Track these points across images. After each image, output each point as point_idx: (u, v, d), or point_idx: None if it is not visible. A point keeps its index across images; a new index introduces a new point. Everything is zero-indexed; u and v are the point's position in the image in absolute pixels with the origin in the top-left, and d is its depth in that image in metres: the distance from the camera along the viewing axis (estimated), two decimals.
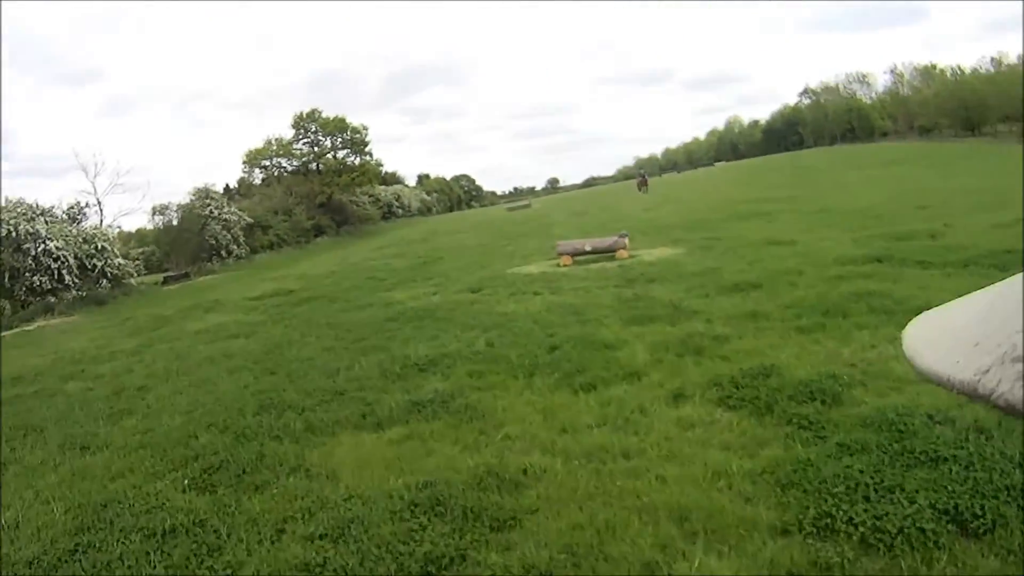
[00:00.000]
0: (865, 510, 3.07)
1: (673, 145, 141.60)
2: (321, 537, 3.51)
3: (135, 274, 24.79)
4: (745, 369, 5.29)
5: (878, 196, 19.92)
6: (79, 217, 25.29)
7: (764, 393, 4.72)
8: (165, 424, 6.00)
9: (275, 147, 44.74)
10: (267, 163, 45.40)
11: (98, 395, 7.67)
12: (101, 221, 26.52)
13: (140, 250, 28.38)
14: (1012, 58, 61.27)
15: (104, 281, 22.65)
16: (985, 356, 0.54)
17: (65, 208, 24.89)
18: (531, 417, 4.96)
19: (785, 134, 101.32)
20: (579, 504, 3.49)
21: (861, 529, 2.95)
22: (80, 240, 22.49)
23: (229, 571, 3.35)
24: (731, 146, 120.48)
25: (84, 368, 9.70)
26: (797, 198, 22.88)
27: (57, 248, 20.99)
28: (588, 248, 13.65)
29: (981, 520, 2.93)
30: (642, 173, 55.99)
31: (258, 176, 46.12)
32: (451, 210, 75.57)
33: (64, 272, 21.00)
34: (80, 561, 3.65)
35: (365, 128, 45.48)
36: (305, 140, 44.92)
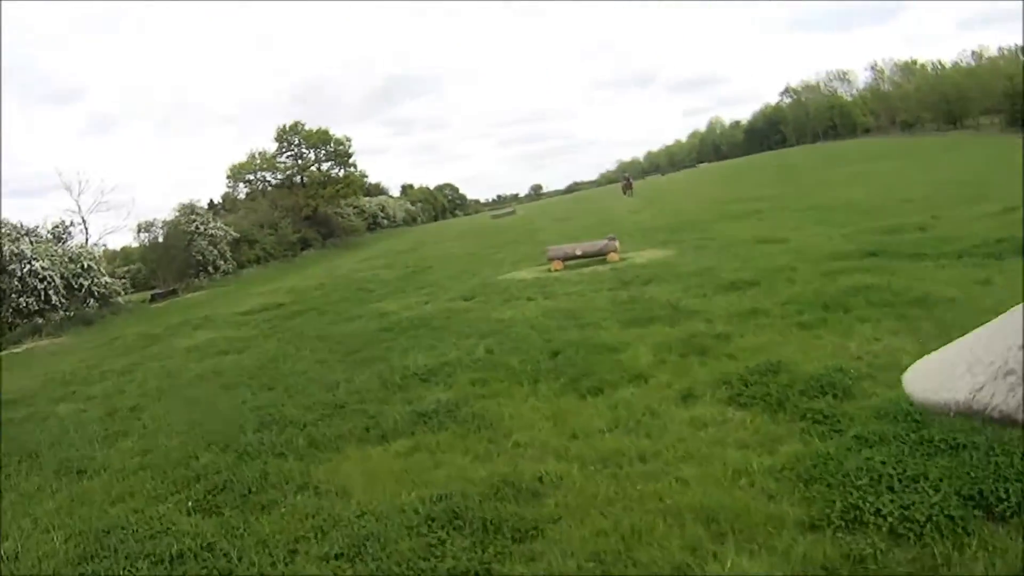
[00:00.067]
0: (891, 500, 3.07)
1: (655, 148, 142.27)
2: (337, 557, 3.40)
3: (122, 292, 24.47)
4: (752, 367, 5.29)
5: (864, 191, 20.18)
6: (64, 236, 24.91)
7: (774, 390, 4.72)
8: (163, 444, 5.85)
9: (259, 161, 44.39)
10: (251, 177, 44.99)
11: (91, 417, 7.49)
12: (87, 240, 26.22)
13: (126, 268, 28.06)
14: (992, 51, 62.38)
15: (91, 300, 22.31)
16: (979, 376, 0.52)
17: (50, 227, 24.57)
18: (540, 424, 4.90)
19: (767, 133, 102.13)
20: (600, 510, 3.43)
21: (889, 520, 2.94)
22: (66, 259, 22.14)
23: None
24: (713, 147, 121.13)
25: (75, 389, 9.49)
26: (784, 196, 23.10)
27: (43, 268, 20.63)
28: (579, 252, 13.59)
29: (1006, 503, 2.95)
30: (626, 176, 56.07)
31: (243, 190, 45.69)
32: (436, 219, 75.23)
33: (51, 292, 20.64)
34: None
35: (348, 140, 45.37)
36: (289, 153, 44.61)
